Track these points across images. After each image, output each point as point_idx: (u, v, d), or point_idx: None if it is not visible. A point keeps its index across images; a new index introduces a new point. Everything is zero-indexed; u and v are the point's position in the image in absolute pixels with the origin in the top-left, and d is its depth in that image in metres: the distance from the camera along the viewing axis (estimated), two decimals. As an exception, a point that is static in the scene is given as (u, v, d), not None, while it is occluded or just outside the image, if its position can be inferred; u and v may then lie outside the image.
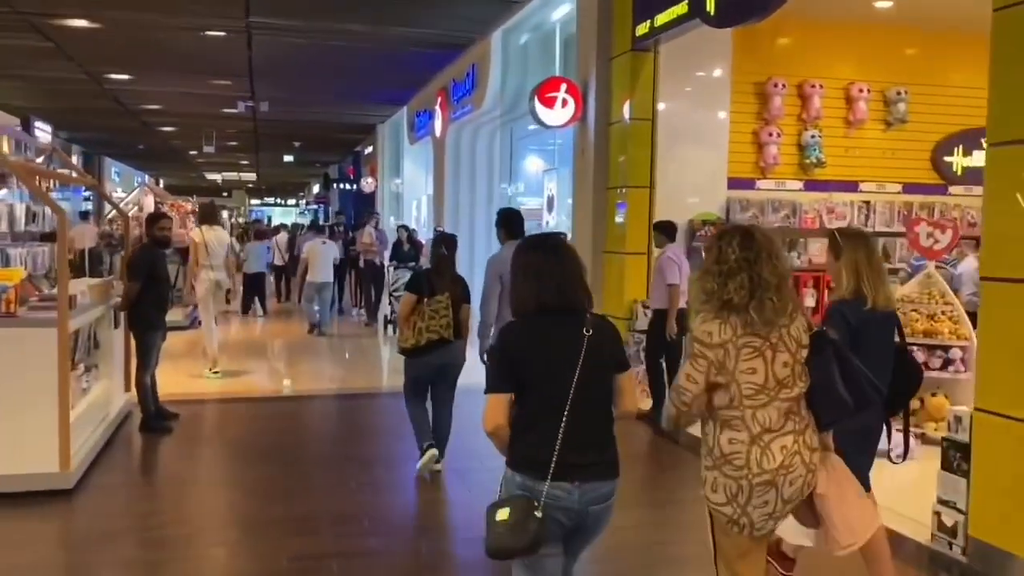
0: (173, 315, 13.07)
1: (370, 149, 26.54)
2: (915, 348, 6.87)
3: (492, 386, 2.84)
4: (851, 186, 9.63)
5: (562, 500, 2.72)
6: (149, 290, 6.96)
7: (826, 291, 9.27)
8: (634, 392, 2.97)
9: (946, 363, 6.79)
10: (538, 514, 2.65)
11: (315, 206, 42.08)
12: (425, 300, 5.74)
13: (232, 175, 45.44)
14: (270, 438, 7.23)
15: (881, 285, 3.68)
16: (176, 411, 7.55)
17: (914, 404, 6.91)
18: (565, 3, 10.51)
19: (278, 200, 59.00)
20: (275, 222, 34.86)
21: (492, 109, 14.05)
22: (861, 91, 9.51)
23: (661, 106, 8.58)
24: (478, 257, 16.78)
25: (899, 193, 9.75)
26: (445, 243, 6.16)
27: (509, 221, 6.04)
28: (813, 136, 9.41)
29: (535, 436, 2.76)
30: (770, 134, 9.27)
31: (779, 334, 2.87)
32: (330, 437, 7.40)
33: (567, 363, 2.76)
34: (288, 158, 29.51)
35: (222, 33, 13.39)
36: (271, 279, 18.84)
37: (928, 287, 7.12)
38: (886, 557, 3.73)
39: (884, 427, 3.81)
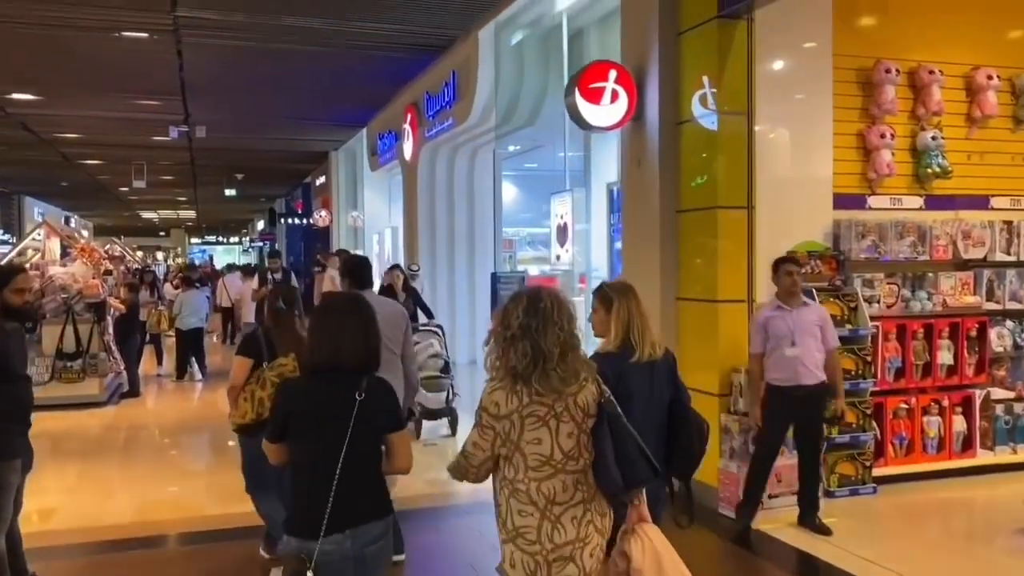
0: (86, 388, 10.43)
1: (322, 179, 24.00)
2: None
3: (267, 435, 2.93)
4: (981, 201, 7.34)
5: (335, 553, 2.75)
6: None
7: (964, 341, 6.97)
8: (407, 451, 2.94)
9: None
10: (310, 574, 2.68)
11: (260, 243, 39.23)
12: (265, 365, 4.74)
13: (170, 213, 42.71)
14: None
15: (648, 334, 3.61)
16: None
17: None
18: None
19: (220, 238, 56.29)
20: (217, 261, 32.20)
21: (479, 123, 11.62)
22: (990, 79, 7.25)
23: (758, 96, 6.17)
24: (460, 299, 14.30)
25: (1036, 210, 7.50)
26: (282, 297, 5.06)
27: (355, 270, 5.37)
28: (934, 137, 7.09)
29: (305, 499, 2.81)
30: (882, 135, 6.93)
31: (565, 404, 2.74)
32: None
33: (337, 426, 2.77)
34: (230, 192, 26.82)
35: (144, 34, 10.81)
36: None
37: None
38: None
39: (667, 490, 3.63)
